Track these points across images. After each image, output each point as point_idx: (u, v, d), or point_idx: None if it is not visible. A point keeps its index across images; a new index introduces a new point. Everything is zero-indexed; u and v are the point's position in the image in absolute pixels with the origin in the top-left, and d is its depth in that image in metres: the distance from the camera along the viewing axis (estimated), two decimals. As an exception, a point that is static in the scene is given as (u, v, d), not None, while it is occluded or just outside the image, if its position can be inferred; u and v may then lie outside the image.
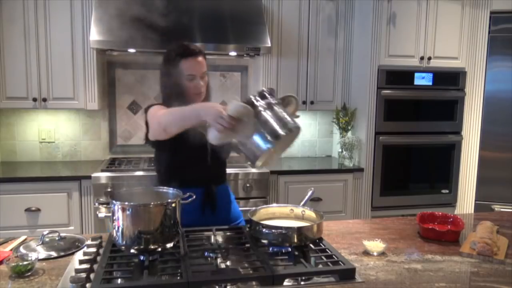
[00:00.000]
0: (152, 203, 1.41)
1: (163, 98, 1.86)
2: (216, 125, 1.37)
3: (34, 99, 3.02)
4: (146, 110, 1.80)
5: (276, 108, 1.41)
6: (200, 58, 1.79)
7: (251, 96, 1.42)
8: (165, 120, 1.59)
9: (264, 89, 1.46)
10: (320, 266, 1.42)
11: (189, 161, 1.77)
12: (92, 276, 1.29)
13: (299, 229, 1.50)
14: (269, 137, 1.37)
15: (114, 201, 1.40)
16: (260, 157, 1.41)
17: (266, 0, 3.33)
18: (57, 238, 1.59)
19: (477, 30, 3.42)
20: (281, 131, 1.37)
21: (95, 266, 1.36)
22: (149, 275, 1.29)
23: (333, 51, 3.53)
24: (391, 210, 3.42)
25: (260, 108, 1.39)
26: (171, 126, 1.58)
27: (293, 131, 1.42)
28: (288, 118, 1.41)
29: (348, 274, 1.35)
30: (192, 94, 1.80)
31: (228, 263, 1.41)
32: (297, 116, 1.53)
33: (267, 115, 1.39)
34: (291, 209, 1.73)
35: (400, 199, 3.49)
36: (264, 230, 1.51)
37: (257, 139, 1.38)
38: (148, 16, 2.99)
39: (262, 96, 1.43)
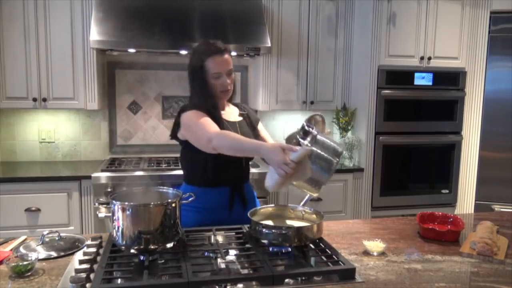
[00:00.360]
0: (152, 203, 1.42)
1: (191, 96, 1.87)
2: (280, 171, 1.43)
3: (34, 99, 3.02)
4: (179, 112, 1.81)
5: (319, 138, 1.53)
6: (226, 56, 1.81)
7: (298, 136, 1.54)
8: (219, 142, 1.61)
9: (304, 123, 1.56)
10: (320, 266, 1.42)
11: (222, 162, 1.76)
12: (92, 276, 1.29)
13: (299, 229, 1.50)
14: (326, 168, 1.50)
15: (114, 201, 1.40)
16: (321, 187, 1.54)
17: (266, 0, 3.33)
18: (57, 238, 1.59)
19: (477, 30, 3.42)
20: (334, 160, 1.50)
21: (95, 266, 1.36)
22: (149, 275, 1.29)
23: (333, 51, 3.53)
24: (391, 210, 3.42)
25: (308, 144, 1.51)
26: (224, 150, 1.61)
27: (342, 154, 1.55)
28: (333, 144, 1.54)
29: (348, 274, 1.35)
30: (218, 92, 1.82)
31: (228, 263, 1.41)
32: (329, 132, 1.62)
33: (317, 149, 1.51)
34: (291, 209, 1.73)
35: (400, 199, 3.49)
36: (264, 230, 1.51)
37: (315, 174, 1.49)
38: (148, 16, 2.99)
39: (306, 132, 1.53)
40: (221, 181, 1.82)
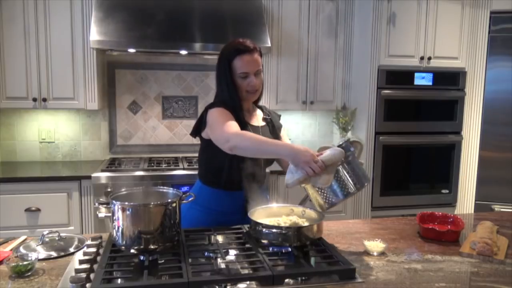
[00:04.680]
0: (152, 203, 1.41)
1: (217, 95, 1.82)
2: (307, 169, 1.42)
3: (34, 99, 3.02)
4: (207, 109, 1.76)
5: (353, 161, 1.50)
6: (255, 55, 1.75)
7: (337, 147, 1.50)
8: (237, 143, 1.56)
9: (347, 140, 1.53)
10: (320, 266, 1.42)
11: (240, 166, 1.73)
12: (92, 276, 1.29)
13: (299, 229, 1.50)
14: (344, 190, 1.49)
15: (114, 201, 1.40)
16: (331, 206, 1.52)
17: (266, 0, 3.33)
18: (57, 238, 1.59)
19: (477, 30, 3.42)
20: (354, 188, 1.49)
21: (95, 266, 1.36)
22: (149, 275, 1.29)
23: (333, 51, 3.53)
24: (391, 210, 3.42)
25: (344, 159, 1.47)
26: (242, 151, 1.58)
27: (363, 187, 1.53)
28: (362, 173, 1.52)
29: (348, 274, 1.35)
30: (244, 92, 1.77)
31: (228, 263, 1.40)
32: (362, 163, 1.58)
33: (346, 168, 1.49)
34: (291, 209, 1.73)
35: (400, 199, 3.49)
36: (264, 230, 1.51)
37: (334, 188, 1.49)
38: (148, 16, 2.99)
39: (346, 149, 1.50)
40: (238, 186, 1.79)
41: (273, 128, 1.94)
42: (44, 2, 2.96)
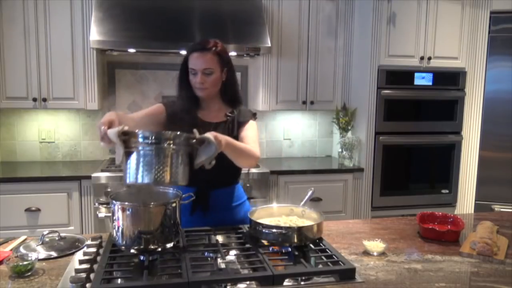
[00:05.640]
0: (152, 203, 1.42)
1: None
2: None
3: (34, 99, 3.02)
4: None
5: (165, 157, 1.34)
6: (207, 55, 1.79)
7: (162, 134, 1.37)
8: None
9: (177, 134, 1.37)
10: (320, 266, 1.43)
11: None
12: (92, 276, 1.29)
13: (299, 229, 1.50)
14: (132, 176, 1.36)
15: (114, 201, 1.40)
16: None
17: (266, 0, 3.33)
18: (57, 238, 1.59)
19: (477, 30, 3.42)
20: (128, 180, 1.36)
21: (95, 266, 1.36)
22: (149, 275, 1.29)
23: (333, 51, 3.53)
24: (391, 210, 3.42)
25: (145, 147, 1.37)
26: None
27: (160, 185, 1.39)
28: (153, 174, 1.32)
29: (348, 274, 1.35)
30: (194, 88, 1.83)
31: (228, 263, 1.40)
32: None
33: (140, 157, 1.37)
34: (291, 209, 1.73)
35: (400, 199, 3.49)
36: (264, 230, 1.51)
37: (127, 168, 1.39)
38: (148, 16, 2.99)
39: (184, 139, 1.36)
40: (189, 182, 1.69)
41: (232, 125, 1.86)
42: (44, 2, 2.96)
